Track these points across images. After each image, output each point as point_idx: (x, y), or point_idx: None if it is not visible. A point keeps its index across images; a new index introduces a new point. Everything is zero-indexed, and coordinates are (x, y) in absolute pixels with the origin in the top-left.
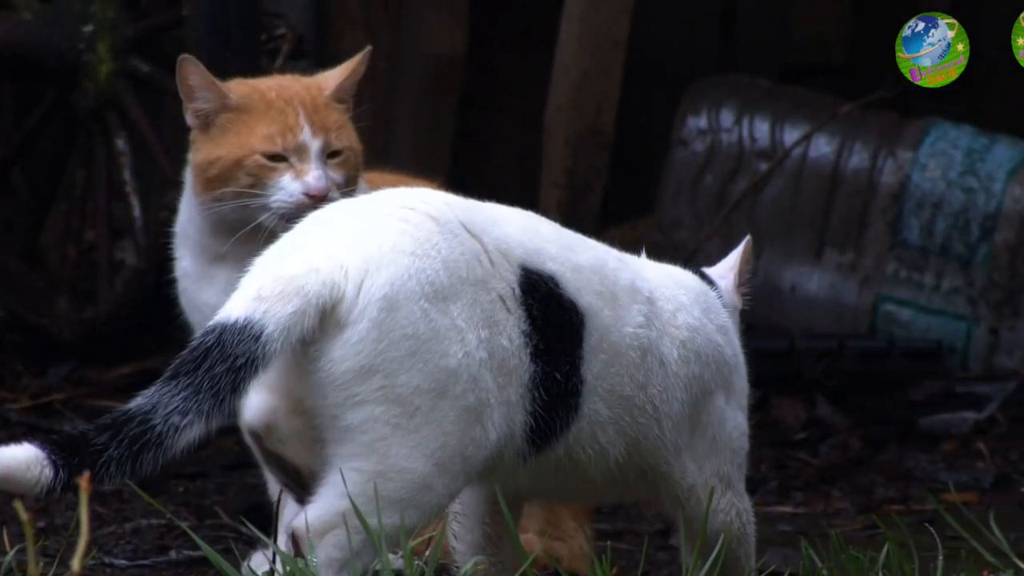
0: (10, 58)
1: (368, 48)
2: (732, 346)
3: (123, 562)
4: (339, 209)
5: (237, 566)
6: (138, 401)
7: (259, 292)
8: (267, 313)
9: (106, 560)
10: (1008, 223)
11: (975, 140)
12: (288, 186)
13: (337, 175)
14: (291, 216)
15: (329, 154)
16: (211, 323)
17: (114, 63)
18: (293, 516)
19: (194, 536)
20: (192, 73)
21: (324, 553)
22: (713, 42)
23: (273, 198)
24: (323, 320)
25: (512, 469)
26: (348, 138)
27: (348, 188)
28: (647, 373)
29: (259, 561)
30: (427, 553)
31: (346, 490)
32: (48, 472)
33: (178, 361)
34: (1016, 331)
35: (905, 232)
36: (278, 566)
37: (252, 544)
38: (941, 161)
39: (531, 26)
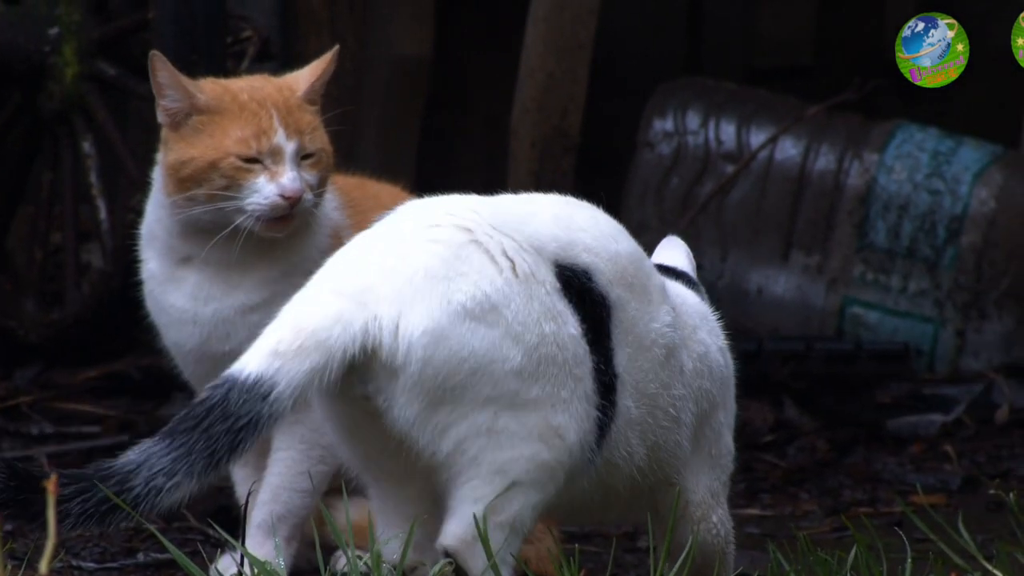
0: None
1: (336, 48)
2: (729, 366)
3: (91, 565)
4: (364, 239)
5: (205, 568)
6: (126, 457)
7: (276, 346)
8: (280, 370)
9: (74, 563)
10: (974, 225)
11: (941, 142)
12: (263, 188)
13: (311, 176)
14: (266, 218)
15: (303, 156)
16: (224, 375)
17: (80, 66)
18: (260, 519)
19: (162, 539)
20: (160, 70)
21: (482, 563)
22: (679, 44)
23: (248, 200)
24: (366, 368)
25: (583, 472)
26: (321, 140)
27: (320, 189)
28: (671, 374)
29: (227, 563)
30: (396, 556)
31: (479, 499)
32: None
33: (180, 415)
34: (982, 333)
35: (872, 234)
36: (246, 568)
37: (220, 546)
38: (907, 163)
39: (497, 27)
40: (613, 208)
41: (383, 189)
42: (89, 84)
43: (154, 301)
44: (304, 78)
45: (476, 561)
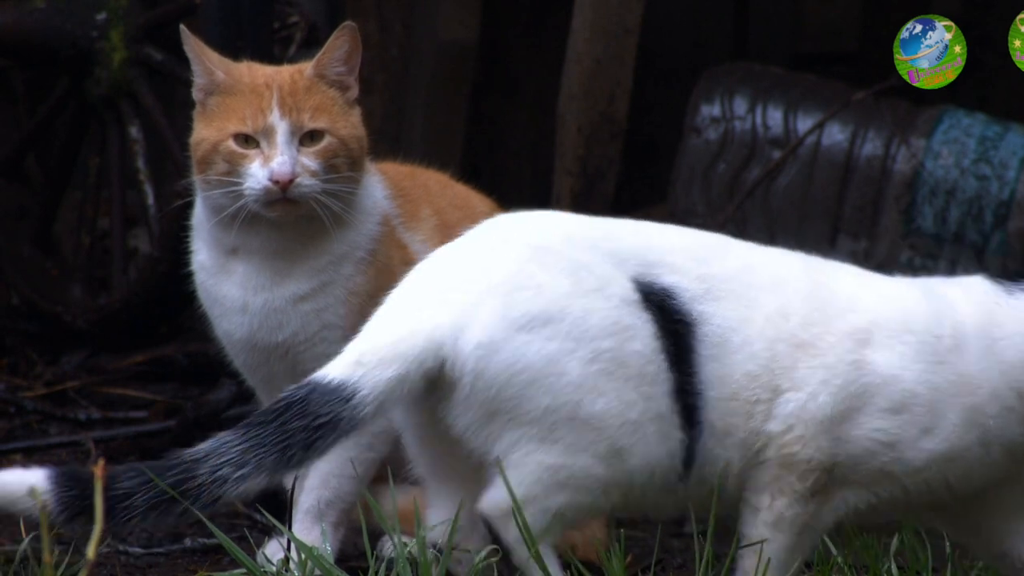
0: (23, 46)
1: (348, 23)
2: None
3: (138, 550)
4: (441, 254)
5: (252, 554)
6: (197, 446)
7: (360, 357)
8: (364, 377)
9: (120, 548)
10: (1021, 211)
11: (988, 128)
12: (256, 173)
13: (312, 162)
14: (264, 202)
15: (307, 138)
16: (306, 379)
17: (127, 51)
18: (308, 504)
19: (209, 524)
20: (185, 44)
21: (515, 534)
22: (726, 30)
23: (245, 186)
24: (436, 381)
25: (671, 493)
26: (328, 120)
27: (331, 176)
28: (741, 382)
29: (274, 549)
30: (440, 540)
31: (523, 482)
32: (51, 507)
33: (259, 411)
34: None
35: (919, 220)
36: (293, 554)
37: (267, 532)
38: (954, 149)
39: (544, 13)
40: (660, 194)
41: (432, 177)
42: (136, 69)
43: (205, 292)
44: (316, 56)
45: (509, 531)
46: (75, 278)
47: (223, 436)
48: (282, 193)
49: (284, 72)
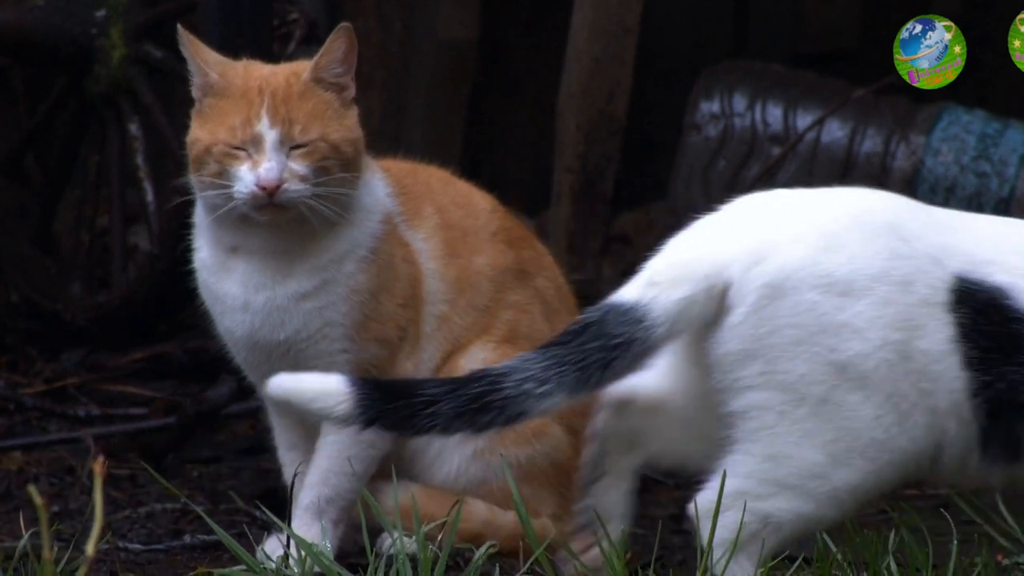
0: (22, 44)
1: (345, 24)
2: None
3: (137, 546)
4: (757, 197)
5: (251, 550)
6: (497, 365)
7: (653, 277)
8: (655, 299)
9: (120, 544)
10: (1021, 207)
11: (988, 125)
12: (244, 177)
13: (300, 166)
14: (252, 206)
15: (295, 145)
16: (602, 302)
17: (127, 49)
18: (308, 501)
19: (209, 520)
20: (182, 43)
21: (717, 535)
22: (726, 30)
23: (234, 188)
24: (719, 308)
25: (982, 475)
26: (320, 127)
27: (320, 179)
28: None
29: (273, 546)
30: (440, 537)
31: (738, 472)
32: (344, 407)
33: (556, 333)
34: None
35: None
36: (292, 550)
37: (267, 528)
38: (954, 146)
39: (544, 13)
40: (659, 192)
41: (434, 175)
42: (136, 67)
43: (207, 289)
44: (313, 59)
45: (704, 533)
46: (74, 276)
47: (524, 355)
48: (269, 198)
49: (279, 75)
